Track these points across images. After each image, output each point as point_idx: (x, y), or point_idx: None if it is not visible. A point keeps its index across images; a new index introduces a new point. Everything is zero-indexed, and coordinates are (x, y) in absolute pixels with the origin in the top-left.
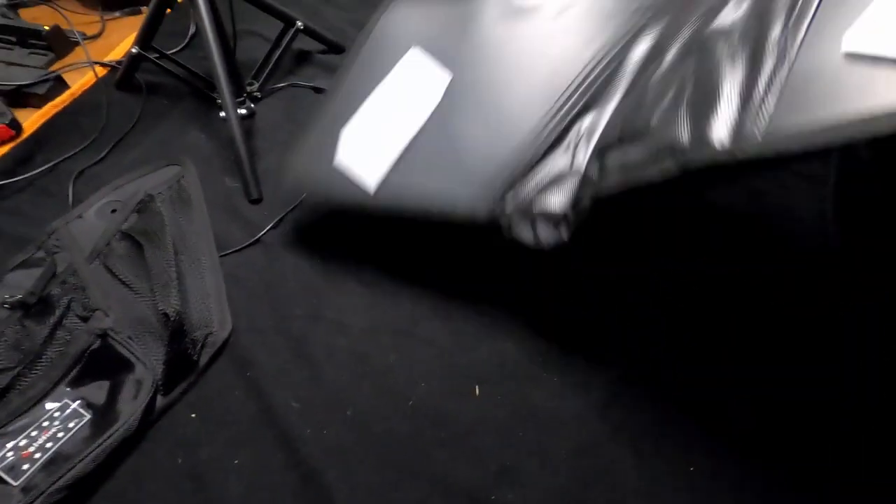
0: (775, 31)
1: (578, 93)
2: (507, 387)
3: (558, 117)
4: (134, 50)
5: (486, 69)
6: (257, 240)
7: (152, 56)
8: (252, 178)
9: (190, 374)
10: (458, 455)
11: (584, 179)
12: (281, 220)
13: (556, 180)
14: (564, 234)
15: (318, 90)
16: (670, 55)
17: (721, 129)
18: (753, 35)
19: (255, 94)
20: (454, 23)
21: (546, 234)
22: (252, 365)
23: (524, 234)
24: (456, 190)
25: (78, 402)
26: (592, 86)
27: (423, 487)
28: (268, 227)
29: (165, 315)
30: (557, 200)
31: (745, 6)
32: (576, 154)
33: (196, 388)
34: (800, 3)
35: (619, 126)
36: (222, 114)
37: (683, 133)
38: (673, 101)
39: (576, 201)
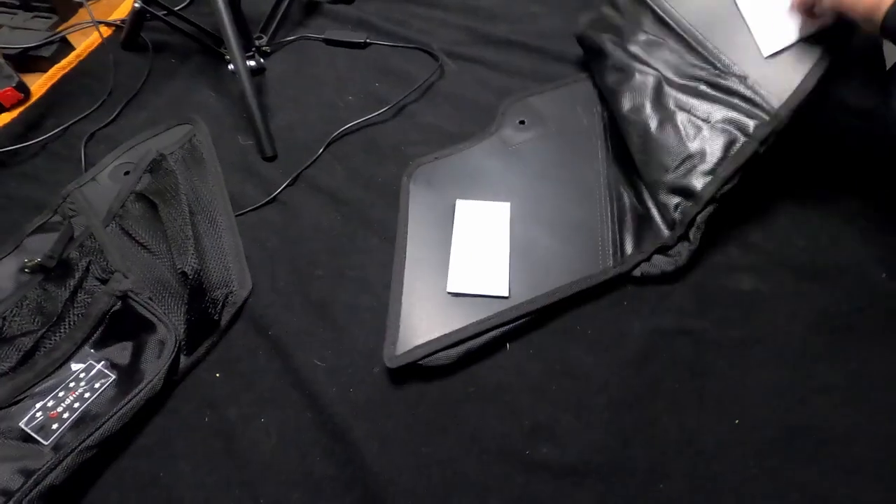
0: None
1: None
2: (539, 342)
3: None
4: (137, 4)
5: (524, 186)
6: (274, 198)
7: (157, 12)
8: (265, 134)
9: (212, 333)
10: (489, 411)
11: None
12: (297, 177)
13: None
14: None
15: (328, 42)
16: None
17: None
18: None
19: (263, 48)
20: (473, 167)
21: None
22: (274, 325)
23: None
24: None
25: (102, 362)
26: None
27: (455, 444)
28: (284, 185)
29: (184, 274)
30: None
31: None
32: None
33: (218, 348)
34: None
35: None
36: (231, 67)
37: None
38: None
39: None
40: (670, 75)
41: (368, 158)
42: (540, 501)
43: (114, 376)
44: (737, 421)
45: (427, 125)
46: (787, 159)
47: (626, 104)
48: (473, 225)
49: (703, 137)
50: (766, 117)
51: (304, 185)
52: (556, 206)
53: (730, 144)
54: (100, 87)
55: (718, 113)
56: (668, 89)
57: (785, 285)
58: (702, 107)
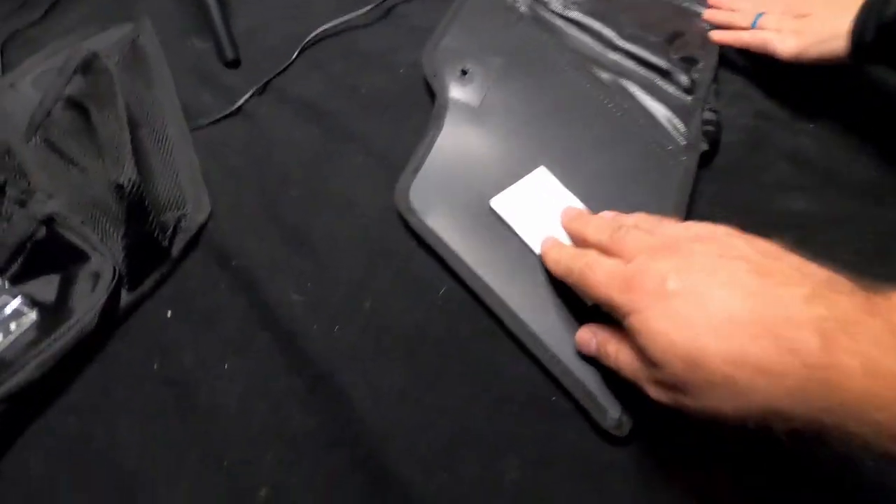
0: None
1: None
2: None
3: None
4: None
5: (533, 140)
6: (238, 109)
7: None
8: (225, 35)
9: (161, 264)
10: (504, 350)
11: None
12: (266, 85)
13: None
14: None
15: None
16: None
17: None
18: None
19: None
20: (459, 158)
21: None
22: (239, 254)
23: None
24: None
25: (20, 299)
26: None
27: (466, 386)
28: (249, 94)
29: (119, 188)
30: None
31: None
32: None
33: (170, 281)
34: None
35: None
36: None
37: None
38: None
39: None
40: None
41: (350, 66)
42: (571, 459)
43: (34, 316)
44: None
45: (421, 29)
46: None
47: None
48: (528, 211)
49: None
50: None
51: (273, 95)
52: (585, 136)
53: None
54: None
55: None
56: None
57: (841, 207)
58: None
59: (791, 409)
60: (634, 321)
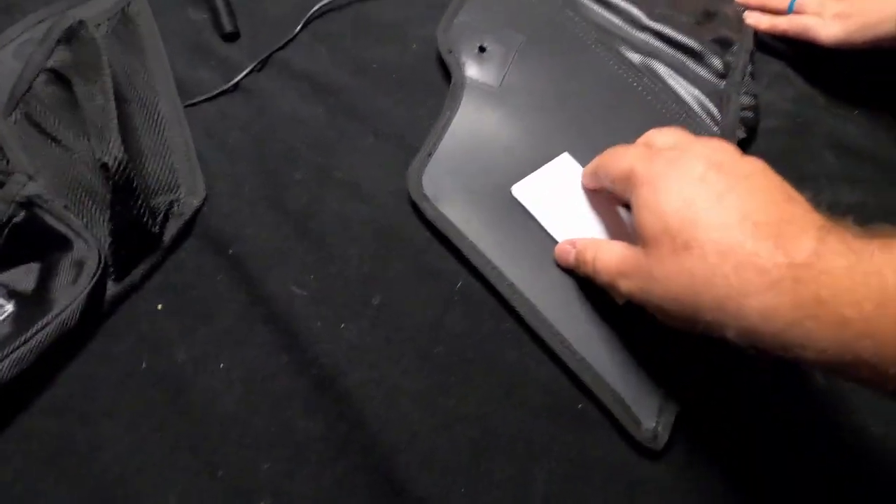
0: None
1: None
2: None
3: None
4: None
5: (556, 123)
6: (236, 84)
7: None
8: (223, 5)
9: (151, 252)
10: (527, 350)
11: None
12: (267, 60)
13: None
14: None
15: None
16: None
17: None
18: None
19: None
20: (477, 142)
21: None
22: (237, 241)
23: None
24: None
25: None
26: None
27: (486, 389)
28: (249, 68)
29: (105, 167)
30: None
31: None
32: None
33: (161, 271)
34: None
35: None
36: None
37: None
38: None
39: None
40: None
41: (359, 39)
42: (603, 472)
43: (11, 307)
44: None
45: (436, 0)
46: None
47: None
48: (552, 200)
49: None
50: None
51: (275, 69)
52: (611, 121)
53: None
54: None
55: None
56: None
57: None
58: None
59: (762, 309)
60: (644, 190)
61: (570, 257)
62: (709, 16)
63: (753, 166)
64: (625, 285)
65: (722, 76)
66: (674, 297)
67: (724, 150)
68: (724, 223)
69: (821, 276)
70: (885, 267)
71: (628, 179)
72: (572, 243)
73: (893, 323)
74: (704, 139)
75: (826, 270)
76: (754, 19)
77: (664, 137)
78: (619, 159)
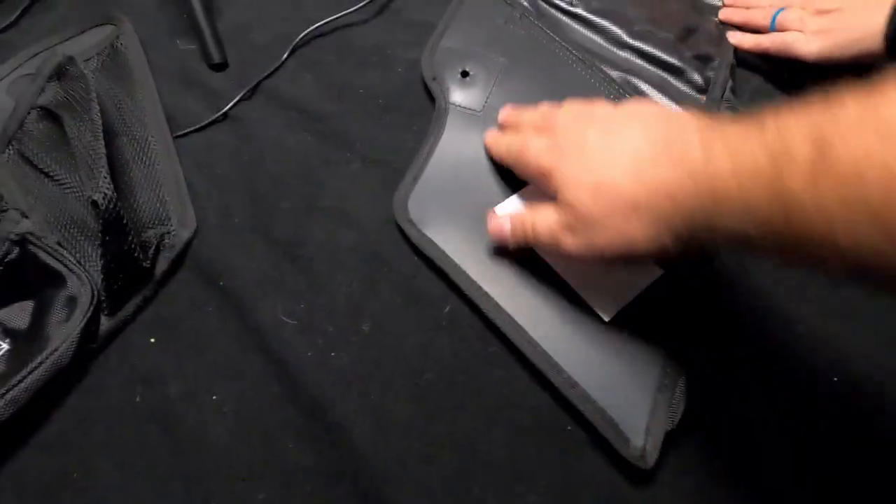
0: None
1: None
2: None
3: None
4: None
5: None
6: (224, 114)
7: None
8: (211, 35)
9: (143, 286)
10: (515, 373)
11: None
12: (255, 88)
13: None
14: None
15: None
16: None
17: None
18: None
19: None
20: (461, 168)
21: None
22: (227, 272)
23: None
24: None
25: None
26: None
27: (476, 414)
28: (237, 98)
29: (95, 204)
30: None
31: None
32: None
33: (153, 304)
34: None
35: None
36: None
37: None
38: None
39: None
40: None
41: (345, 66)
42: (593, 494)
43: (6, 346)
44: None
45: (418, 23)
46: None
47: None
48: None
49: None
50: None
51: (262, 98)
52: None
53: None
54: None
55: None
56: None
57: None
58: None
59: (684, 224)
60: (558, 174)
61: (504, 230)
62: (689, 32)
63: (625, 109)
64: (569, 241)
65: (703, 91)
66: (609, 239)
67: (592, 107)
68: (623, 170)
69: (713, 181)
70: (756, 151)
71: (543, 176)
72: (504, 219)
73: (763, 192)
74: (567, 105)
75: (714, 174)
76: (737, 39)
77: (530, 115)
78: (526, 161)
